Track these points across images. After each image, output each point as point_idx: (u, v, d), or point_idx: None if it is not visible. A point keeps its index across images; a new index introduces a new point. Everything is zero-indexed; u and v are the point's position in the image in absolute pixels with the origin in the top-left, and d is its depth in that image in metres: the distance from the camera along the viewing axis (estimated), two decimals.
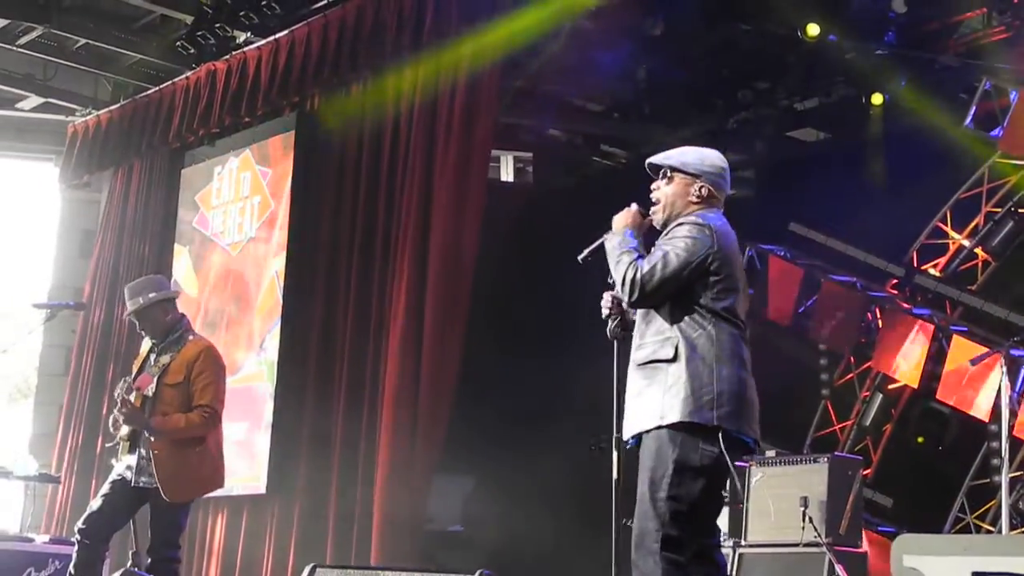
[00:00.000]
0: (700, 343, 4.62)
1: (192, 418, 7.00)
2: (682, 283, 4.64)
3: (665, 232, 4.79)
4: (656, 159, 4.95)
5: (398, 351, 9.19)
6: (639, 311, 4.79)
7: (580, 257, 4.96)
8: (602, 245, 4.88)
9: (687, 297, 4.66)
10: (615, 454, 4.78)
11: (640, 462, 4.67)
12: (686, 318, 4.65)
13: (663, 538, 4.50)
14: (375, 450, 9.17)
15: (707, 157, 4.95)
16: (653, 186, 4.93)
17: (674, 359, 4.60)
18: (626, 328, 4.90)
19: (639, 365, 4.71)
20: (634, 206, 4.90)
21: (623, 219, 4.87)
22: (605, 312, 4.94)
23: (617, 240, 4.80)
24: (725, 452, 4.52)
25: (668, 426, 4.55)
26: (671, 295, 4.65)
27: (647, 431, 4.62)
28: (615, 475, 4.77)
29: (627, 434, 4.73)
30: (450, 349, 9.01)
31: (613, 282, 4.82)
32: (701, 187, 4.87)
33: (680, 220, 4.79)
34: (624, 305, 4.77)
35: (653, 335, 4.70)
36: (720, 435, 4.53)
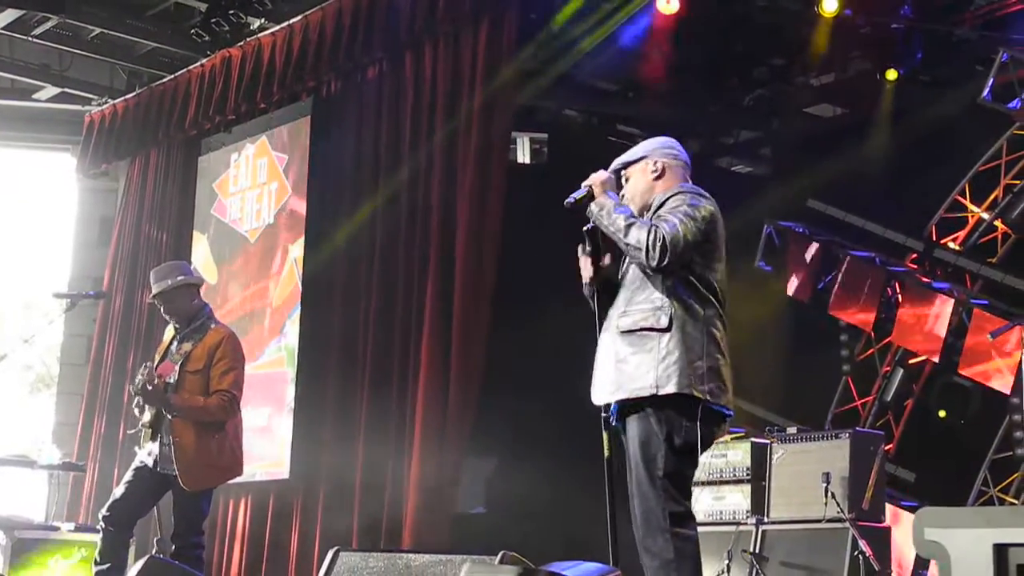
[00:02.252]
0: (692, 316, 4.66)
1: (211, 401, 7.03)
2: (687, 259, 4.67)
3: (653, 211, 4.79)
4: (612, 167, 5.01)
5: (427, 333, 9.19)
6: (627, 280, 4.79)
7: (567, 202, 4.93)
8: (588, 196, 4.86)
9: (684, 266, 4.69)
10: (604, 434, 4.79)
11: (628, 444, 4.71)
12: (680, 288, 4.68)
13: (670, 515, 4.56)
14: (403, 434, 9.18)
15: (649, 141, 5.06)
16: (619, 195, 4.96)
17: (668, 329, 4.62)
18: (604, 290, 4.89)
19: (623, 332, 4.70)
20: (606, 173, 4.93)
21: (607, 183, 4.87)
22: (588, 275, 4.91)
23: (611, 203, 4.78)
24: (702, 426, 4.61)
25: (661, 397, 4.59)
26: (680, 264, 4.66)
27: (632, 400, 4.65)
28: (606, 453, 4.77)
29: (605, 399, 4.76)
30: (477, 330, 9.01)
31: (588, 238, 4.85)
32: (655, 163, 4.94)
33: (670, 193, 4.81)
34: (649, 267, 4.65)
35: (643, 303, 4.70)
36: (700, 409, 4.60)
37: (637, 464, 4.65)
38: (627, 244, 4.69)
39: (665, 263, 4.61)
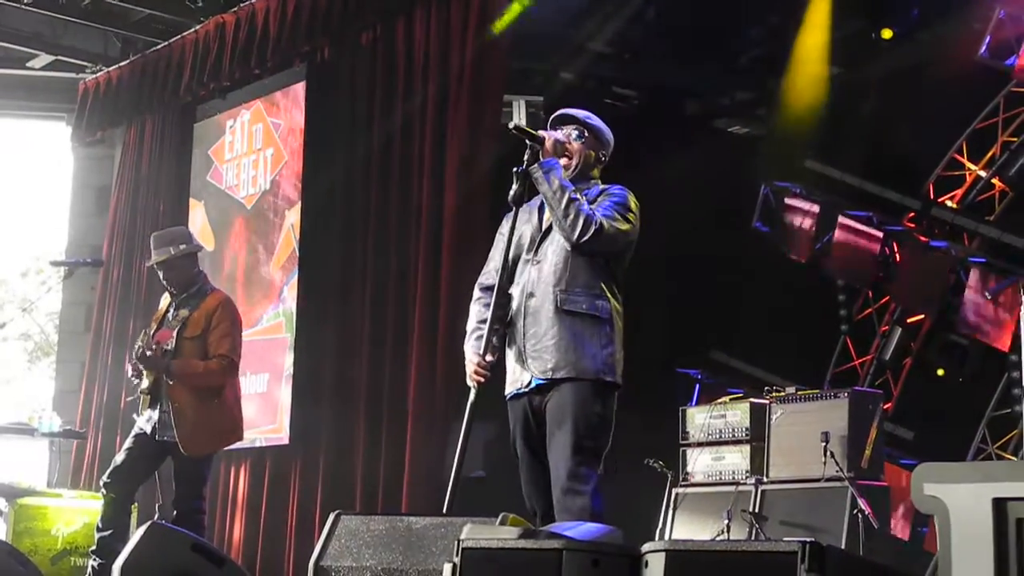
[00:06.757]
0: (617, 310, 5.00)
1: (210, 365, 7.06)
2: (615, 251, 4.98)
3: (584, 189, 5.01)
4: (575, 113, 5.19)
5: (420, 296, 9.19)
6: (559, 257, 4.95)
7: (514, 126, 5.06)
8: (538, 141, 4.97)
9: (615, 264, 5.03)
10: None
11: (558, 411, 4.94)
12: (610, 285, 5.01)
13: (596, 484, 4.84)
14: (401, 397, 9.17)
15: (608, 131, 5.25)
16: (563, 134, 5.12)
17: (610, 319, 4.93)
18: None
19: (568, 311, 4.90)
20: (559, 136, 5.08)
21: (558, 147, 5.04)
22: (480, 380, 5.19)
23: (561, 172, 4.94)
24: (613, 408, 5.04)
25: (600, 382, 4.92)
26: (602, 253, 4.92)
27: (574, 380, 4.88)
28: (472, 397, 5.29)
29: (545, 374, 4.96)
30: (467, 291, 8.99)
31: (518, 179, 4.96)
32: (603, 155, 5.19)
33: (611, 189, 5.06)
34: (570, 240, 4.88)
35: (584, 288, 4.93)
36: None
37: (567, 431, 4.90)
38: (563, 212, 4.84)
39: (584, 241, 4.84)
